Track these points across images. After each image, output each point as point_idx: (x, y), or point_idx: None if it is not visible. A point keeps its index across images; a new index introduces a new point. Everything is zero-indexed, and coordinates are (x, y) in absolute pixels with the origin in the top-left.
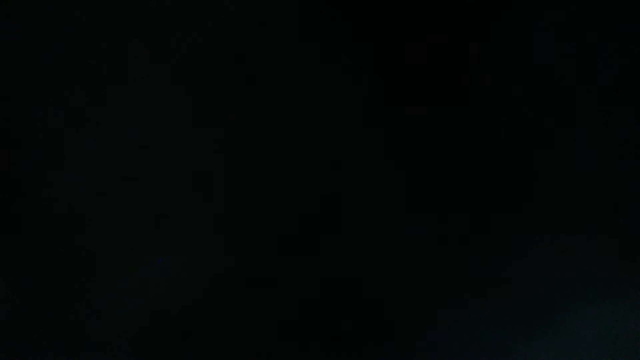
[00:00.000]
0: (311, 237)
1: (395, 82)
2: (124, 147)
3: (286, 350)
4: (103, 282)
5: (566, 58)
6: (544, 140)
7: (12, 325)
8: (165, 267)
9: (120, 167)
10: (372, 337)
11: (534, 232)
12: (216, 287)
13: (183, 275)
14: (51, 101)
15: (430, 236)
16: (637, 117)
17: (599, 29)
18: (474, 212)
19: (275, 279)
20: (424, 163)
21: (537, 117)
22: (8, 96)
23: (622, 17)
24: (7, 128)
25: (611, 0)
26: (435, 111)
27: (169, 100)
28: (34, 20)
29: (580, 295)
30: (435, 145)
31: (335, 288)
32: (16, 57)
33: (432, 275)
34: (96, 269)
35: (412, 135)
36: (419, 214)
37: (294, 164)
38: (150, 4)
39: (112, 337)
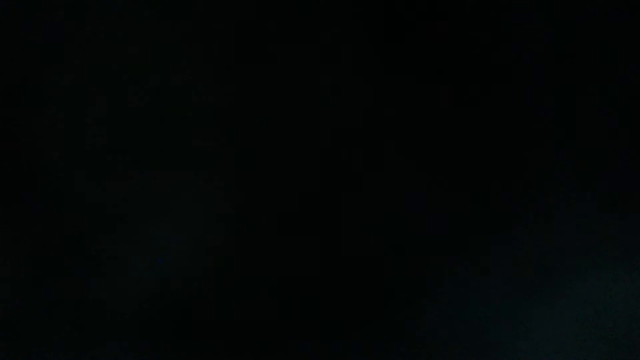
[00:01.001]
0: (312, 215)
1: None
2: (124, 134)
3: (286, 330)
4: (105, 274)
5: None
6: (544, 108)
7: (13, 320)
8: (166, 243)
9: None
10: (373, 313)
11: (535, 199)
12: (216, 268)
13: (182, 254)
14: (53, 94)
15: (431, 203)
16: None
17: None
18: (474, 182)
19: (276, 258)
20: (424, 134)
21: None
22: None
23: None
24: (8, 123)
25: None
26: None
27: (172, 87)
28: (37, 12)
29: (581, 262)
30: (435, 116)
31: (337, 264)
32: (19, 49)
33: (433, 243)
34: (97, 262)
35: (413, 110)
36: (419, 184)
37: (295, 142)
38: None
39: (115, 328)
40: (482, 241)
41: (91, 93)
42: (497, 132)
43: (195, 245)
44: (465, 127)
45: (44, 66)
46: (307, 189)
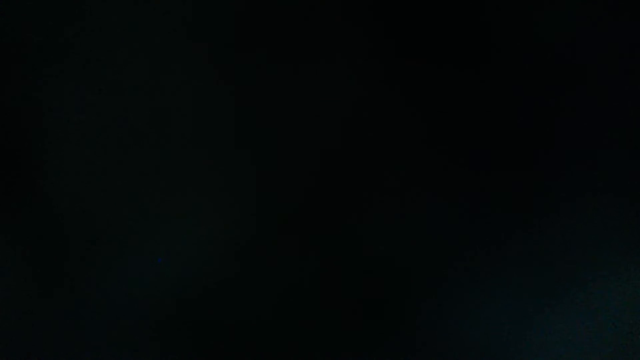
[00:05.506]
0: (314, 216)
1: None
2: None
3: (286, 331)
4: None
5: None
6: (559, 100)
7: (12, 321)
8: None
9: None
10: (376, 315)
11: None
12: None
13: (188, 250)
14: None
15: (433, 204)
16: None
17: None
18: (477, 183)
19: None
20: (435, 125)
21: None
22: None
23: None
24: (8, 123)
25: None
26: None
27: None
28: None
29: (597, 262)
30: (446, 104)
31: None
32: (18, 43)
33: (433, 243)
34: (98, 257)
35: (421, 92)
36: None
37: (298, 141)
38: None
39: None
40: (484, 243)
41: (92, 93)
42: (501, 130)
43: (196, 245)
44: (468, 127)
45: (44, 66)
46: (309, 188)
